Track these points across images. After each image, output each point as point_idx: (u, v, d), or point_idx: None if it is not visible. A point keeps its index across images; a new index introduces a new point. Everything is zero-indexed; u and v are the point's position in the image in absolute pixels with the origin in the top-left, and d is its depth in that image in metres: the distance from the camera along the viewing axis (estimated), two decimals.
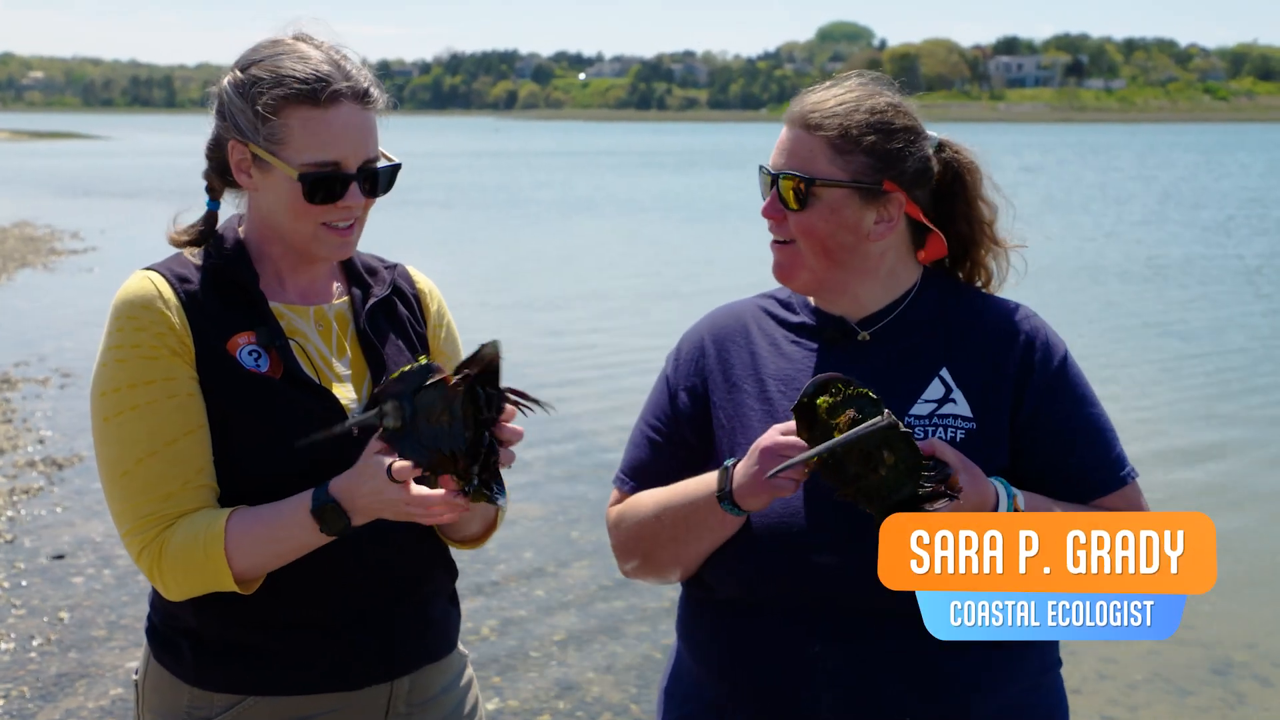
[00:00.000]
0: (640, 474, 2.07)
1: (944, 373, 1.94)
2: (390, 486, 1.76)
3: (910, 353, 1.96)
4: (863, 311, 1.99)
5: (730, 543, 1.91)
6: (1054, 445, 1.93)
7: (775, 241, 1.98)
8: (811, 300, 2.04)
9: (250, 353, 1.93)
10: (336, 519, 1.81)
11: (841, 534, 1.85)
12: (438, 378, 1.78)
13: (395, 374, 1.79)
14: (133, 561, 1.92)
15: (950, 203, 2.02)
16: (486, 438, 1.80)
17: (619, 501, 2.09)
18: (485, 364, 1.78)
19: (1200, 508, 7.24)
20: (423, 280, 2.17)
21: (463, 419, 1.78)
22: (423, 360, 1.80)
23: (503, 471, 1.81)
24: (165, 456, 1.87)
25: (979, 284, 2.08)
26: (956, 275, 2.08)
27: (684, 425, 2.05)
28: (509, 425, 1.81)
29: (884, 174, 1.93)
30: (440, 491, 1.77)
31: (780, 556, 1.87)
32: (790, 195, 1.92)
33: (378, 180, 1.95)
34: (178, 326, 1.90)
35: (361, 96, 1.92)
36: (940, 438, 1.89)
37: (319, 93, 1.89)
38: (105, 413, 1.89)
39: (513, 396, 1.81)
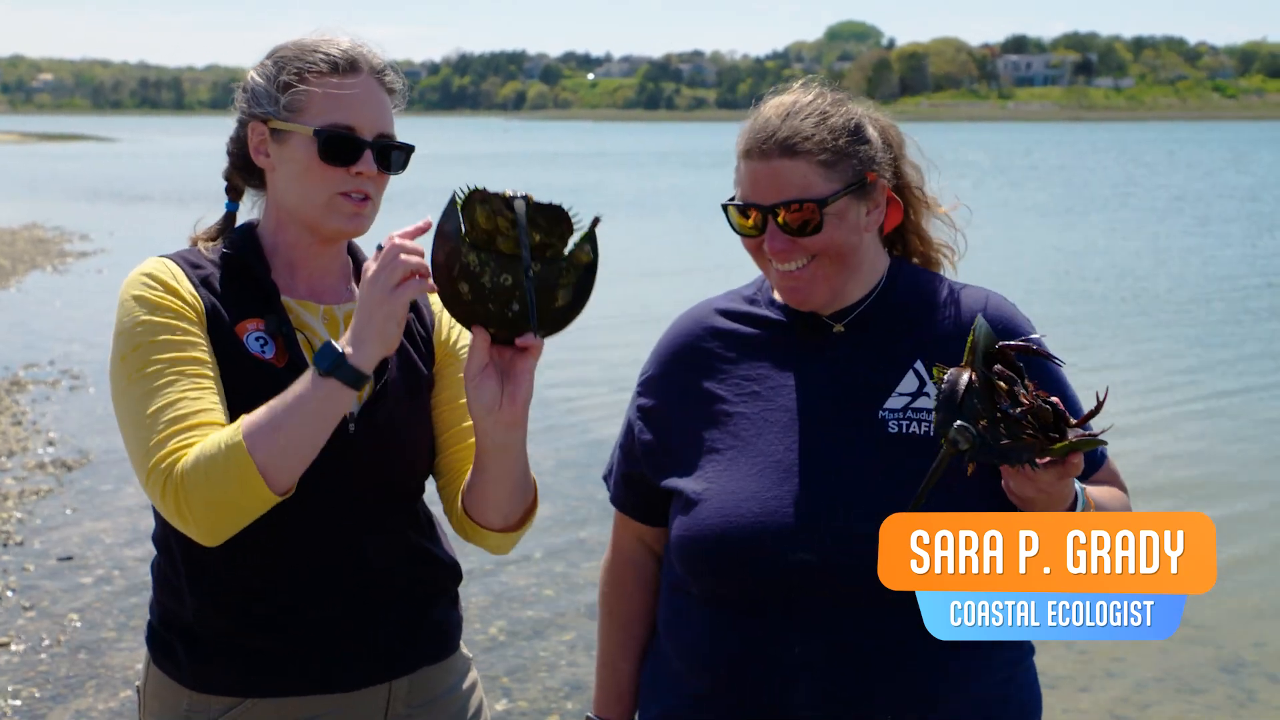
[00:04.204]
0: (621, 504, 2.16)
1: (918, 365, 1.95)
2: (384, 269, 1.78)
3: (883, 344, 1.97)
4: (840, 304, 2.00)
5: (705, 538, 1.92)
6: None
7: (783, 270, 1.95)
8: (779, 298, 2.04)
9: (257, 339, 1.94)
10: (345, 366, 1.78)
11: (819, 531, 1.86)
12: (525, 198, 1.78)
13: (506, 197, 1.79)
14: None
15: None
16: (529, 286, 1.79)
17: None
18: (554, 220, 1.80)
19: (1213, 506, 7.24)
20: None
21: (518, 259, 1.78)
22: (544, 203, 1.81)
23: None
24: (188, 399, 1.84)
25: (921, 256, 2.09)
26: (899, 251, 2.09)
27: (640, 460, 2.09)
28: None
29: (865, 168, 1.96)
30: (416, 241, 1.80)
31: (757, 553, 1.88)
32: (799, 224, 1.91)
33: (391, 156, 1.99)
34: (190, 300, 1.92)
35: (379, 73, 1.99)
36: (914, 432, 1.90)
37: (338, 63, 1.96)
38: (128, 371, 1.87)
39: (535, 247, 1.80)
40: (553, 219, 1.80)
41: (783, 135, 1.92)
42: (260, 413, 1.80)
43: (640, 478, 2.09)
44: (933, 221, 2.10)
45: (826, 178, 1.92)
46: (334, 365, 1.78)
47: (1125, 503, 2.00)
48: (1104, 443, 1.67)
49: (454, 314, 1.83)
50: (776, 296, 2.05)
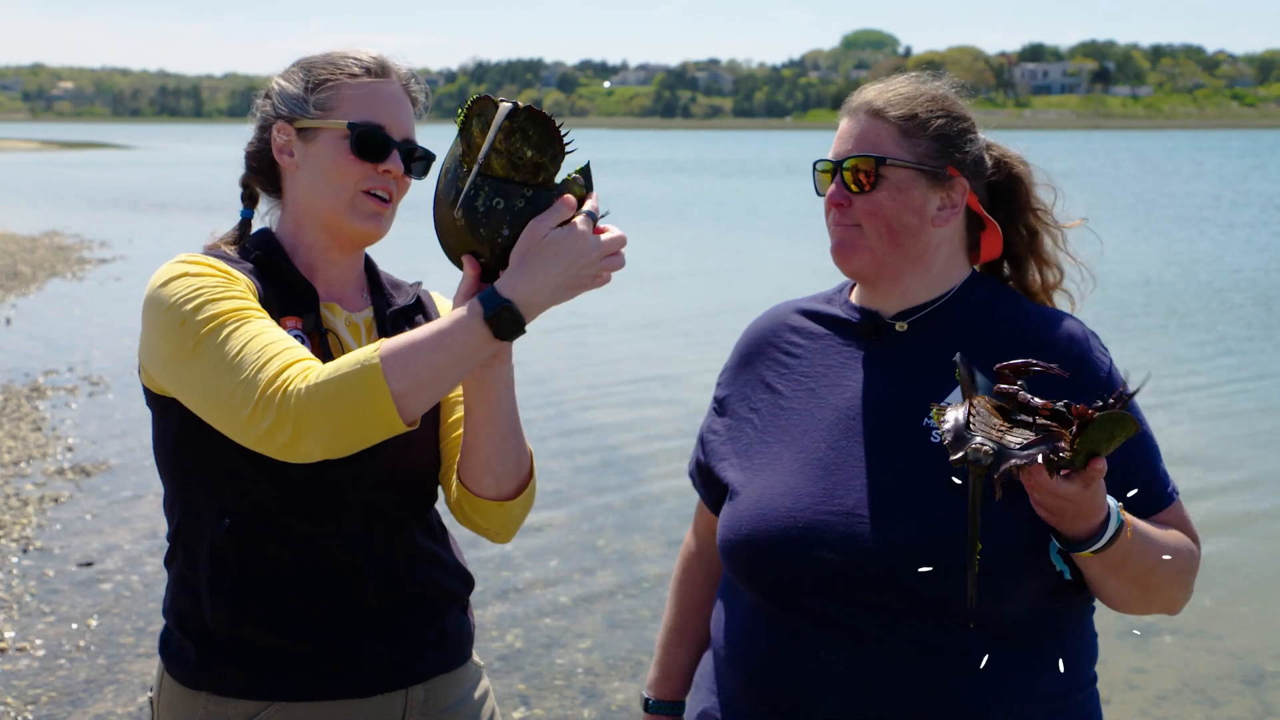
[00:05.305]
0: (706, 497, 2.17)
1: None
2: (592, 248, 1.77)
3: (941, 353, 1.94)
4: (905, 304, 2.00)
5: (740, 529, 1.93)
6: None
7: (836, 226, 1.99)
8: (853, 298, 2.06)
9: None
10: (511, 321, 1.76)
11: (846, 532, 1.84)
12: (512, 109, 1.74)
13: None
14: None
15: (1008, 199, 2.06)
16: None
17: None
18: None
19: (1238, 514, 7.20)
20: (445, 302, 2.20)
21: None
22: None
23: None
24: (270, 332, 1.82)
25: (1049, 282, 2.09)
26: (1013, 280, 2.09)
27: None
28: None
29: (948, 159, 1.97)
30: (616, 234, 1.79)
31: (785, 548, 1.87)
32: (861, 177, 1.95)
33: (414, 160, 2.02)
34: (240, 277, 1.91)
35: (405, 81, 2.05)
36: None
37: (370, 67, 2.02)
38: (192, 331, 1.82)
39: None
40: (544, 132, 1.75)
41: (873, 98, 1.99)
42: (400, 343, 1.76)
43: (708, 469, 2.11)
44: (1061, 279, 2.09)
45: (899, 144, 1.96)
46: (508, 332, 1.77)
47: (1186, 546, 1.86)
48: (1136, 419, 1.58)
49: (446, 245, 1.83)
50: (852, 298, 2.07)
